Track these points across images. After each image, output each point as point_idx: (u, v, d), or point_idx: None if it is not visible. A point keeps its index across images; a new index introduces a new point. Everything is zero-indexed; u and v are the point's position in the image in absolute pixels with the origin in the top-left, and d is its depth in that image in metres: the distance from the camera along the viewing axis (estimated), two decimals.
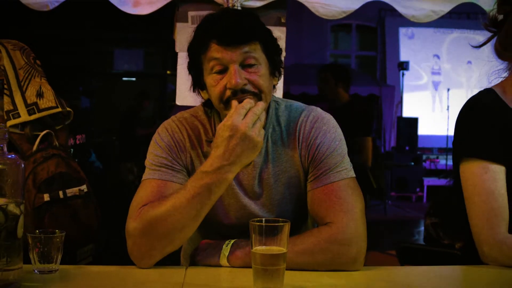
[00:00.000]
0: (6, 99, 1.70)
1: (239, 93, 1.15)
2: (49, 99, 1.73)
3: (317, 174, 1.22)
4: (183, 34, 2.62)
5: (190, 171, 1.26)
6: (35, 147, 1.66)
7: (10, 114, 1.68)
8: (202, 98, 1.27)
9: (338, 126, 1.28)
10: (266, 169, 1.26)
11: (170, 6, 2.66)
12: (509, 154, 1.23)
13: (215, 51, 1.14)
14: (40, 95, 1.73)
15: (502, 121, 1.25)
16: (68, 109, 1.78)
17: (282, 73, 1.28)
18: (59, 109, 1.72)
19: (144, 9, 2.58)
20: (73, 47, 7.28)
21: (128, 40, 9.02)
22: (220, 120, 1.23)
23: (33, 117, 1.69)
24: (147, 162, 1.25)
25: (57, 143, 1.72)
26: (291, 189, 1.27)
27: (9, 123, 1.67)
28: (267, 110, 1.27)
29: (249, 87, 1.15)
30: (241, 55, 1.14)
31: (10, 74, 1.71)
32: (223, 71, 1.15)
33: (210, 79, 1.18)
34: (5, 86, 1.71)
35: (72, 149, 1.81)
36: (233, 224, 1.27)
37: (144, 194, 1.18)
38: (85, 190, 1.70)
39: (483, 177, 1.22)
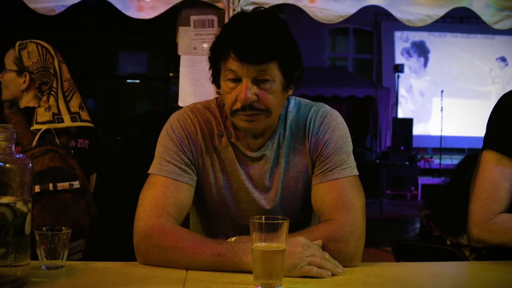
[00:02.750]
0: (52, 101, 1.77)
1: (247, 109, 1.16)
2: (87, 114, 1.85)
3: (323, 169, 1.24)
4: (186, 37, 2.65)
5: (199, 165, 1.27)
6: (34, 143, 1.70)
7: (56, 118, 1.75)
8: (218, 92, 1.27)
9: (345, 123, 1.30)
10: (278, 164, 1.28)
11: (173, 10, 2.69)
12: None
13: (232, 63, 1.14)
14: (81, 108, 1.84)
15: None
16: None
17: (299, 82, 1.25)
18: (92, 126, 1.84)
19: (148, 14, 2.60)
20: (78, 50, 7.31)
21: (132, 43, 9.05)
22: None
23: (75, 124, 1.78)
24: (156, 153, 1.25)
25: (57, 141, 1.76)
26: (300, 184, 1.29)
27: (52, 125, 1.73)
28: None
29: (257, 105, 1.16)
30: (255, 72, 1.14)
31: (58, 81, 1.80)
32: (237, 80, 1.16)
33: (224, 85, 1.19)
34: (54, 90, 1.78)
35: (72, 151, 1.85)
36: (242, 217, 1.29)
37: (151, 196, 1.19)
38: (77, 186, 1.72)
39: (493, 168, 1.26)
